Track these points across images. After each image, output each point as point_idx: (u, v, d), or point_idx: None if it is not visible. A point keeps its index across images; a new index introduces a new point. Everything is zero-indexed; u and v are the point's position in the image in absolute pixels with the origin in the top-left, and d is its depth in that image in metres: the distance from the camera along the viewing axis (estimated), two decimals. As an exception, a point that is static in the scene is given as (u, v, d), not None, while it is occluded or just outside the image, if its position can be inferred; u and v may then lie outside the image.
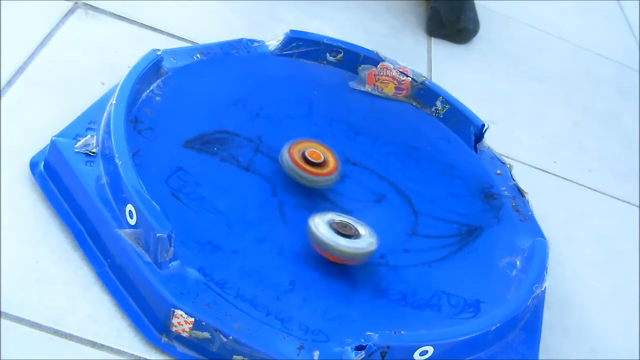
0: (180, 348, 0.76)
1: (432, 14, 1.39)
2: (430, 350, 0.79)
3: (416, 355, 0.79)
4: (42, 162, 0.86)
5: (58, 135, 0.86)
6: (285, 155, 0.93)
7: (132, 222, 0.78)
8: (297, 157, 0.93)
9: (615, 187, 1.26)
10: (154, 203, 0.78)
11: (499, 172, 1.08)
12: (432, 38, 1.38)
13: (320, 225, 0.86)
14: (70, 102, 0.93)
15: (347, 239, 0.86)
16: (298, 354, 0.76)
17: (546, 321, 0.93)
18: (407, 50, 1.32)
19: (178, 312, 0.74)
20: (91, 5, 1.10)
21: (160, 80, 0.97)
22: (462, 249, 0.96)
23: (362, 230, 0.88)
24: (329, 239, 0.85)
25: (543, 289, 0.91)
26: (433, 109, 1.13)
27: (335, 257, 0.85)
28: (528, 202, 1.05)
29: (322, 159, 0.93)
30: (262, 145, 0.97)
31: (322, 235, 0.85)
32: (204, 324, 0.74)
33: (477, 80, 1.35)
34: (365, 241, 0.87)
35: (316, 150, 0.94)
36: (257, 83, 1.06)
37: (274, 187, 0.93)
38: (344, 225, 0.87)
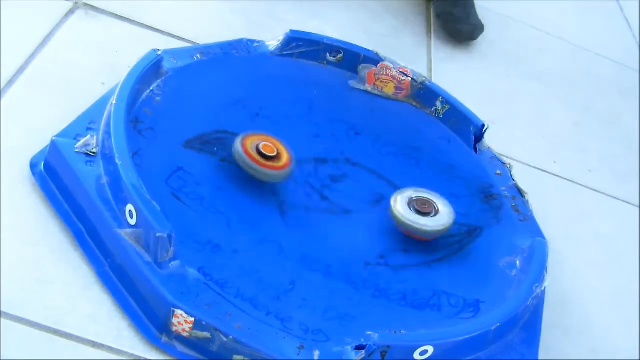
0: (180, 348, 0.76)
1: (435, 14, 1.39)
2: (430, 349, 0.79)
3: (416, 354, 0.79)
4: (42, 162, 0.86)
5: (58, 136, 0.86)
6: (238, 147, 0.90)
7: (132, 222, 0.78)
8: (251, 150, 0.90)
9: (615, 187, 1.26)
10: (154, 203, 0.78)
11: (498, 172, 1.08)
12: (432, 38, 1.38)
13: (400, 204, 0.92)
14: (70, 102, 0.93)
15: (427, 217, 0.92)
16: (298, 354, 0.76)
17: (546, 321, 0.93)
18: (407, 50, 1.32)
19: (178, 311, 0.74)
20: (91, 5, 1.10)
21: (160, 80, 0.97)
22: (462, 249, 0.96)
23: (440, 204, 0.94)
24: (410, 220, 0.91)
25: (543, 288, 0.91)
26: (433, 109, 1.13)
27: (419, 235, 0.92)
28: (528, 202, 1.05)
29: (275, 153, 0.91)
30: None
31: (403, 217, 0.91)
32: (204, 323, 0.74)
33: (477, 80, 1.35)
34: (443, 218, 0.93)
35: (269, 143, 0.91)
36: (257, 83, 1.06)
37: (274, 187, 0.93)
38: (423, 202, 0.93)
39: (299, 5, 1.29)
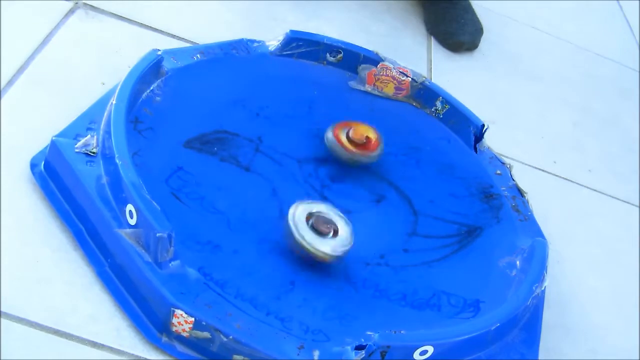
0: (180, 348, 0.76)
1: (430, 33, 1.39)
2: (430, 349, 0.79)
3: (416, 354, 0.79)
4: (43, 162, 0.86)
5: (58, 135, 0.86)
6: (329, 135, 0.98)
7: (132, 222, 0.78)
8: (342, 138, 0.98)
9: (615, 187, 1.26)
10: (154, 203, 0.78)
11: (498, 172, 1.08)
12: (432, 38, 1.38)
13: (299, 218, 0.84)
14: (70, 102, 0.93)
15: (321, 238, 0.84)
16: (298, 354, 0.76)
17: (546, 321, 0.93)
18: (407, 50, 1.32)
19: (178, 311, 0.74)
20: (91, 5, 1.10)
21: (160, 80, 0.97)
22: (462, 249, 0.96)
23: (342, 229, 0.85)
24: (301, 236, 0.83)
25: (543, 288, 0.91)
26: (433, 109, 1.13)
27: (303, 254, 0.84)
28: (528, 202, 1.05)
29: (364, 139, 0.98)
30: (262, 145, 0.97)
31: (296, 232, 0.84)
32: (204, 323, 0.74)
33: (477, 80, 1.35)
34: (337, 243, 0.84)
35: (358, 130, 0.99)
36: (257, 83, 1.06)
37: (274, 187, 0.93)
38: (323, 221, 0.85)
39: (299, 5, 1.29)
